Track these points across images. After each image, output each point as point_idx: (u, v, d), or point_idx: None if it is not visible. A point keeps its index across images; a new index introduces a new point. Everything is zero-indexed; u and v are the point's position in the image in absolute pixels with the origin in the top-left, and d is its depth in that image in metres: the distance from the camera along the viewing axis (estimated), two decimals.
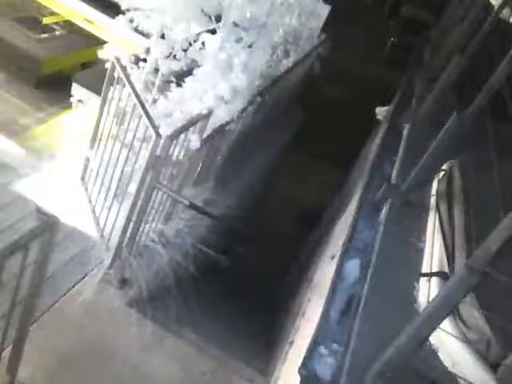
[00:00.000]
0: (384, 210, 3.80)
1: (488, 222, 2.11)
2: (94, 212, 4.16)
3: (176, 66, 4.17)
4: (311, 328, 2.90)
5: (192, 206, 3.83)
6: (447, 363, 2.68)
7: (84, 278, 3.76)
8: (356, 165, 7.64)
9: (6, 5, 6.53)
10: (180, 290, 3.72)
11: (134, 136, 3.70)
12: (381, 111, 6.53)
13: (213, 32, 4.03)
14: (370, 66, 12.47)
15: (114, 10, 4.18)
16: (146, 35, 4.25)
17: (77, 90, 4.92)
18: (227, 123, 4.32)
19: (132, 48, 5.00)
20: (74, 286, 3.66)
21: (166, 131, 3.57)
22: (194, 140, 3.88)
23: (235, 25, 4.08)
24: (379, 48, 13.32)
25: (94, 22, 6.11)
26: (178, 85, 4.19)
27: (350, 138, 8.44)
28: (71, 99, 4.74)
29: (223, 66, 4.04)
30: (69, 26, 6.53)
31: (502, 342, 2.59)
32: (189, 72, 4.16)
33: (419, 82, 6.53)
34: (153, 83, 4.33)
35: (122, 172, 3.84)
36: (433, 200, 4.14)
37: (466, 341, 2.69)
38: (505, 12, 6.30)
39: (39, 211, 2.10)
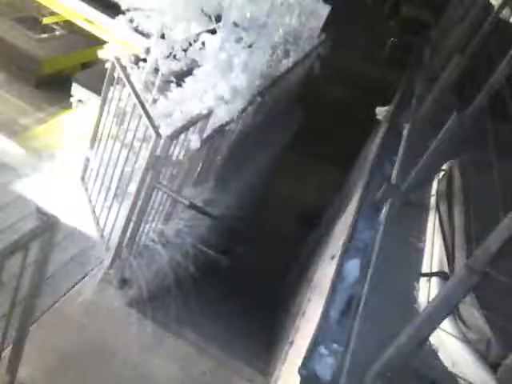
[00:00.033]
0: (384, 210, 3.80)
1: (488, 222, 2.11)
2: (94, 212, 4.16)
3: (176, 66, 4.17)
4: (311, 328, 2.90)
5: (192, 206, 3.83)
6: (447, 363, 2.68)
7: (84, 278, 3.76)
8: (356, 165, 7.64)
9: (6, 5, 6.53)
10: (180, 290, 3.72)
11: (134, 136, 3.70)
12: (381, 111, 6.54)
13: (213, 32, 4.03)
14: (370, 66, 12.47)
15: (113, 10, 4.18)
16: (146, 35, 4.25)
17: (77, 90, 4.92)
18: (227, 123, 4.32)
19: (132, 48, 5.00)
20: (74, 286, 3.66)
21: (166, 131, 3.57)
22: (194, 140, 3.88)
23: (235, 25, 4.08)
24: (379, 48, 13.32)
25: (94, 22, 6.11)
26: (178, 85, 4.19)
27: (350, 137, 8.44)
28: (71, 99, 4.74)
29: (223, 66, 4.04)
30: (69, 26, 6.53)
31: (501, 342, 2.59)
32: (189, 72, 4.16)
33: (419, 82, 6.53)
34: (153, 83, 4.32)
35: (122, 172, 3.84)
36: (433, 200, 4.14)
37: (466, 341, 2.69)
38: (505, 12, 6.30)
39: (39, 211, 2.10)
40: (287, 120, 7.75)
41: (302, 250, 7.12)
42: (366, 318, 2.82)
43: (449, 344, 2.71)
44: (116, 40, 5.48)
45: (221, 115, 4.17)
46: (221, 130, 4.30)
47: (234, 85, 4.04)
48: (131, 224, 3.69)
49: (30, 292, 2.29)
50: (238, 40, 4.11)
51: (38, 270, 2.24)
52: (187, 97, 4.10)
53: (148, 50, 4.23)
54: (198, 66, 4.12)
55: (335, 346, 2.71)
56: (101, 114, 4.17)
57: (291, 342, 3.87)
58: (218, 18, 4.02)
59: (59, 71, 6.05)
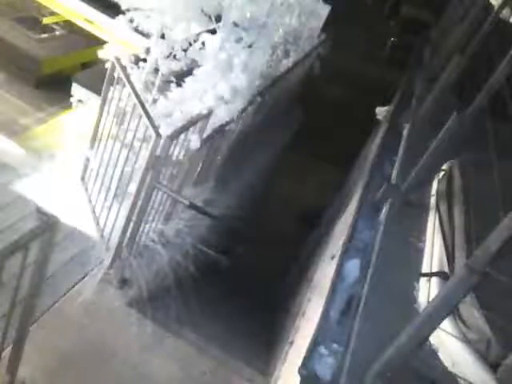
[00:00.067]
0: (384, 210, 3.80)
1: (488, 222, 2.11)
2: (94, 212, 4.16)
3: (176, 66, 4.17)
4: (311, 328, 2.90)
5: (192, 206, 3.82)
6: (447, 363, 2.68)
7: (84, 278, 3.76)
8: (356, 165, 7.64)
9: (6, 5, 6.53)
10: (180, 290, 3.72)
11: (134, 136, 3.70)
12: (381, 111, 6.54)
13: (213, 32, 4.03)
14: (370, 66, 12.47)
15: (114, 10, 4.18)
16: (146, 35, 4.25)
17: (77, 90, 4.92)
18: (227, 123, 4.32)
19: (132, 48, 5.00)
20: (74, 286, 3.66)
21: (166, 131, 3.57)
22: (194, 140, 3.88)
23: (235, 25, 4.08)
24: (379, 48, 13.33)
25: (94, 22, 6.11)
26: (178, 85, 4.19)
27: (350, 137, 8.44)
28: (71, 99, 4.74)
29: (223, 66, 4.04)
30: (69, 26, 6.53)
31: (502, 342, 2.59)
32: (189, 72, 4.16)
33: (419, 82, 6.53)
34: (153, 83, 4.32)
35: (122, 172, 3.84)
36: (433, 200, 4.14)
37: (466, 341, 2.69)
38: (505, 12, 6.30)
39: (39, 211, 2.10)
40: (287, 120, 7.75)
41: (301, 250, 7.13)
42: (366, 318, 2.82)
43: (449, 344, 2.71)
44: (116, 40, 5.48)
45: (221, 115, 4.17)
46: (221, 130, 4.30)
47: (233, 85, 4.04)
48: (131, 224, 3.69)
49: (29, 292, 2.29)
50: (238, 40, 4.11)
51: (38, 270, 2.24)
52: (187, 97, 4.10)
53: (148, 50, 4.23)
54: (198, 66, 4.12)
55: (335, 345, 2.71)
56: (101, 114, 4.17)
57: (291, 342, 3.87)
58: (218, 18, 4.02)
59: (59, 71, 6.05)
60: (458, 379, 2.61)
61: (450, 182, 4.05)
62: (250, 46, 4.21)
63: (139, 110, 3.58)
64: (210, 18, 3.99)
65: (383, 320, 2.83)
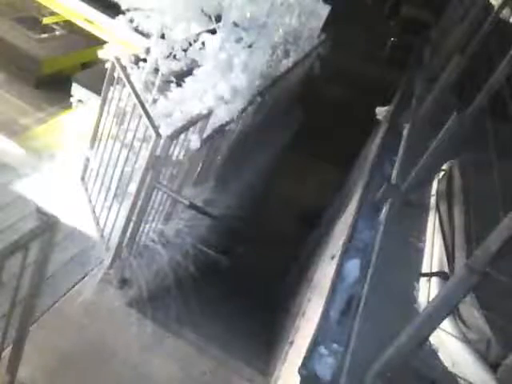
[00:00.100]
0: (384, 210, 3.80)
1: (488, 222, 2.11)
2: (94, 212, 4.16)
3: (176, 66, 4.17)
4: (311, 328, 2.90)
5: (192, 206, 3.82)
6: (447, 363, 2.68)
7: (84, 278, 3.75)
8: (356, 165, 7.64)
9: (6, 5, 6.53)
10: (180, 290, 3.72)
11: (134, 136, 3.70)
12: (381, 111, 6.54)
13: (213, 32, 4.03)
14: (370, 66, 12.47)
15: (114, 10, 4.18)
16: (146, 35, 4.25)
17: (77, 90, 4.92)
18: (227, 123, 4.32)
19: (132, 48, 5.00)
20: (74, 286, 3.66)
21: (166, 131, 3.57)
22: (194, 140, 3.88)
23: (235, 25, 4.08)
24: (379, 48, 13.33)
25: (94, 22, 6.11)
26: (178, 85, 4.19)
27: (350, 137, 8.45)
28: (71, 99, 4.74)
29: (223, 66, 4.04)
30: (69, 26, 6.53)
31: (502, 342, 2.59)
32: (189, 72, 4.16)
33: (419, 82, 6.53)
34: (153, 83, 4.32)
35: (122, 172, 3.84)
36: (433, 200, 4.14)
37: (466, 341, 2.69)
38: (505, 12, 6.30)
39: (39, 211, 2.10)
40: (287, 120, 7.75)
41: (302, 250, 7.13)
42: (366, 318, 2.82)
43: (449, 344, 2.71)
44: (116, 40, 5.48)
45: (221, 115, 4.17)
46: (221, 130, 4.30)
47: (234, 85, 4.04)
48: (131, 224, 3.69)
49: (29, 292, 2.29)
50: (238, 40, 4.11)
51: (38, 270, 2.24)
52: (187, 97, 4.10)
53: (148, 50, 4.23)
54: (198, 66, 4.12)
55: (335, 345, 2.71)
56: (101, 114, 4.17)
57: (291, 342, 3.87)
58: (218, 18, 4.02)
59: (59, 71, 6.05)
60: (458, 379, 2.61)
61: (450, 182, 4.05)
62: (250, 46, 4.22)
63: (139, 110, 3.58)
64: (210, 18, 3.99)
65: (383, 320, 2.83)
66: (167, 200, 3.98)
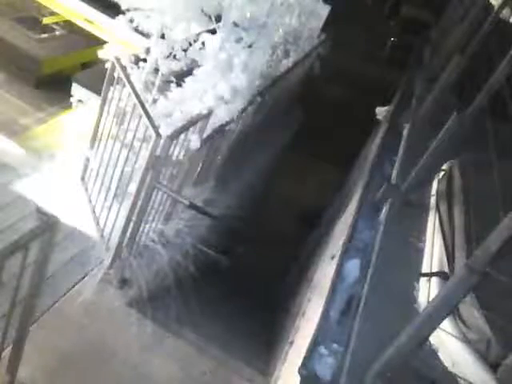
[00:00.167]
0: (384, 210, 3.80)
1: (488, 222, 2.11)
2: (94, 212, 4.16)
3: (176, 66, 4.17)
4: (311, 328, 2.90)
5: (192, 206, 3.82)
6: (447, 363, 2.68)
7: (84, 278, 3.75)
8: (356, 165, 7.64)
9: (6, 5, 6.53)
10: (180, 290, 3.72)
11: (134, 136, 3.70)
12: (381, 111, 6.54)
13: (213, 32, 4.03)
14: (370, 66, 12.47)
15: (114, 10, 4.18)
16: (146, 35, 4.25)
17: (77, 90, 4.92)
18: (227, 123, 4.32)
19: (132, 48, 5.00)
20: (74, 286, 3.66)
21: (166, 131, 3.57)
22: (194, 140, 3.88)
23: (235, 25, 4.08)
24: (379, 48, 13.33)
25: (94, 22, 6.11)
26: (178, 85, 4.19)
27: (350, 137, 8.45)
28: (71, 99, 4.74)
29: (223, 66, 4.04)
30: (69, 26, 6.53)
31: (502, 342, 2.59)
32: (189, 72, 4.15)
33: (419, 82, 6.53)
34: (153, 83, 4.32)
35: (122, 172, 3.84)
36: (433, 200, 4.14)
37: (466, 341, 2.69)
38: (505, 12, 6.30)
39: (39, 211, 2.10)
40: (287, 120, 7.75)
41: (302, 250, 7.12)
42: (366, 318, 2.82)
43: (449, 344, 2.71)
44: (116, 40, 5.48)
45: (221, 115, 4.17)
46: (221, 130, 4.30)
47: (234, 85, 4.04)
48: (131, 224, 3.69)
49: (29, 292, 2.29)
50: (238, 40, 4.11)
51: (38, 270, 2.24)
52: (187, 97, 4.10)
53: (148, 50, 4.23)
54: (198, 66, 4.12)
55: (335, 345, 2.71)
56: (101, 114, 4.17)
57: (291, 342, 3.87)
58: (218, 18, 4.02)
59: (59, 71, 6.05)
60: (458, 379, 2.61)
61: (450, 182, 4.05)
62: (250, 46, 4.21)
63: (139, 110, 3.58)
64: (210, 18, 3.99)
65: (383, 320, 2.83)
66: (167, 200, 3.98)
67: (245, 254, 6.19)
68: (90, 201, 4.25)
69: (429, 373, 2.55)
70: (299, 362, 2.61)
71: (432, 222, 3.85)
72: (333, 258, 3.84)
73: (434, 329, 2.22)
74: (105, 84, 4.07)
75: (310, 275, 5.13)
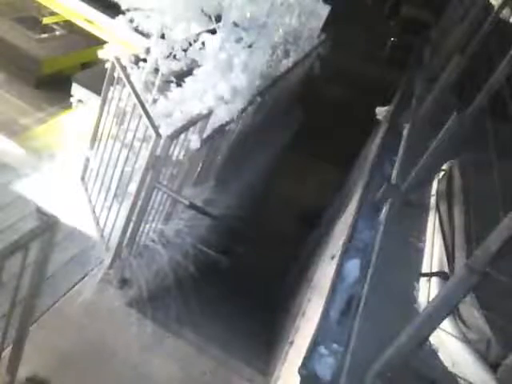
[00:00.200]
0: (384, 210, 3.80)
1: (488, 222, 2.11)
2: (94, 212, 4.16)
3: (176, 66, 4.17)
4: (311, 328, 2.90)
5: (192, 206, 3.82)
6: (447, 363, 2.68)
7: (84, 278, 3.75)
8: (356, 165, 7.64)
9: (6, 5, 6.53)
10: (180, 290, 3.72)
11: (134, 136, 3.70)
12: (381, 111, 6.54)
13: (213, 32, 4.03)
14: (370, 66, 12.47)
15: (114, 10, 4.17)
16: (146, 35, 4.25)
17: (77, 90, 4.92)
18: (227, 123, 4.32)
19: (132, 48, 5.00)
20: (74, 286, 3.66)
21: (166, 131, 3.57)
22: (194, 140, 3.88)
23: (235, 25, 4.08)
24: (379, 48, 13.33)
25: (94, 22, 6.11)
26: (178, 85, 4.19)
27: (350, 137, 8.45)
28: (71, 99, 4.74)
29: (223, 66, 4.04)
30: (69, 26, 6.54)
31: (502, 342, 2.59)
32: (189, 72, 4.15)
33: (419, 82, 6.53)
34: (153, 83, 4.32)
35: (122, 172, 3.84)
36: (433, 200, 4.14)
37: (466, 341, 2.69)
38: (505, 12, 6.30)
39: (39, 211, 2.10)
40: (287, 120, 7.75)
41: (302, 250, 7.13)
42: (366, 317, 2.82)
43: (449, 344, 2.71)
44: (116, 40, 5.48)
45: (221, 115, 4.17)
46: (221, 130, 4.30)
47: (233, 85, 4.04)
48: (131, 224, 3.69)
49: (29, 292, 2.29)
50: (238, 40, 4.11)
51: (38, 269, 2.24)
52: (187, 97, 4.10)
53: (148, 50, 4.23)
54: (198, 66, 4.12)
55: (335, 345, 2.71)
56: (101, 114, 4.17)
57: (291, 342, 3.87)
58: (218, 18, 4.02)
59: (59, 71, 6.06)
60: (458, 379, 2.61)
61: (450, 182, 4.05)
62: (250, 46, 4.21)
63: (139, 110, 3.58)
64: (210, 18, 3.99)
65: (383, 320, 2.83)
66: (167, 200, 3.98)
67: (245, 254, 6.19)
68: (90, 201, 4.25)
69: (429, 373, 2.55)
70: (299, 362, 2.61)
71: (432, 222, 3.85)
72: (333, 258, 3.84)
73: (433, 329, 2.22)
74: (105, 84, 4.07)
75: (309, 275, 5.13)
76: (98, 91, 4.34)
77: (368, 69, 12.34)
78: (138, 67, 4.20)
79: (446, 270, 3.14)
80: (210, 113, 4.03)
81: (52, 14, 6.56)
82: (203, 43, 4.01)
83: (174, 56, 4.14)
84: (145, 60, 4.24)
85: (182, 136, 3.74)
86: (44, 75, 5.94)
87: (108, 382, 3.33)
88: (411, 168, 3.78)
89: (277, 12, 4.85)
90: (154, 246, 3.93)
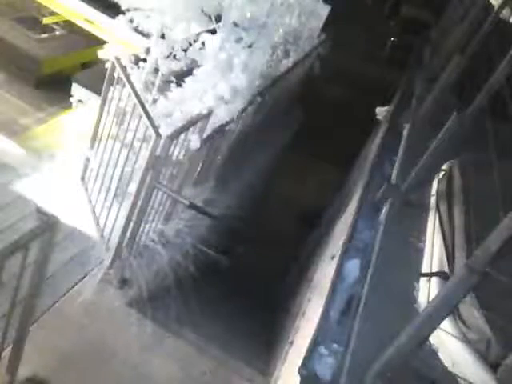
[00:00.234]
0: (384, 210, 3.80)
1: (488, 222, 2.11)
2: (94, 212, 4.16)
3: (176, 66, 4.17)
4: (311, 328, 2.90)
5: (192, 206, 3.82)
6: (447, 363, 2.68)
7: (84, 278, 3.75)
8: (356, 165, 7.64)
9: (6, 5, 6.53)
10: (180, 290, 3.72)
11: (134, 136, 3.70)
12: (381, 111, 6.54)
13: (213, 32, 4.03)
14: (370, 65, 12.48)
15: (114, 10, 4.18)
16: (146, 35, 4.25)
17: (77, 90, 4.92)
18: (227, 123, 4.32)
19: (132, 48, 5.00)
20: (74, 286, 3.66)
21: (166, 131, 3.57)
22: (193, 140, 3.88)
23: (235, 25, 4.08)
24: (379, 48, 13.33)
25: (94, 22, 6.11)
26: (178, 85, 4.19)
27: (350, 137, 8.45)
28: (71, 99, 4.74)
29: (223, 66, 4.04)
30: (69, 26, 6.54)
31: (502, 341, 2.59)
32: (189, 72, 4.16)
33: (419, 82, 6.53)
34: (153, 83, 4.33)
35: (122, 172, 3.84)
36: (433, 200, 4.14)
37: (466, 341, 2.69)
38: (505, 12, 6.31)
39: (39, 211, 2.10)
40: (287, 120, 7.75)
41: (302, 250, 7.12)
42: (366, 317, 2.82)
43: (449, 344, 2.71)
44: (116, 40, 5.48)
45: (221, 115, 4.17)
46: (221, 129, 4.30)
47: (233, 85, 4.04)
48: (131, 224, 3.69)
49: (29, 292, 2.29)
50: (238, 40, 4.11)
51: (38, 270, 2.24)
52: (187, 97, 4.10)
53: (148, 50, 4.23)
54: (198, 66, 4.12)
55: (335, 345, 2.71)
56: (101, 114, 4.17)
57: (291, 342, 3.87)
58: (218, 18, 4.02)
59: (59, 71, 6.05)
60: (458, 379, 2.61)
61: (450, 182, 4.05)
62: (250, 46, 4.21)
63: (139, 110, 3.58)
64: (210, 18, 3.99)
65: (383, 320, 2.83)
66: (167, 200, 3.98)
67: (245, 254, 6.19)
68: (90, 201, 4.25)
69: (429, 373, 2.55)
70: (299, 362, 2.61)
71: (432, 222, 3.85)
72: (333, 258, 3.84)
73: (434, 329, 2.22)
74: (105, 84, 4.07)
75: (310, 275, 5.13)
76: (98, 91, 4.34)
77: (368, 69, 12.34)
78: (138, 67, 4.20)
79: (446, 270, 3.14)
80: (210, 113, 4.03)
81: (52, 13, 6.56)
82: (203, 43, 4.01)
83: (174, 56, 4.14)
84: (145, 60, 4.24)
85: (182, 136, 3.74)
86: (44, 75, 5.94)
87: (108, 382, 3.33)
88: (411, 168, 3.79)
89: (277, 12, 4.85)
90: (153, 245, 3.93)
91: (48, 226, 2.09)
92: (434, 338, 2.64)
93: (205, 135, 4.08)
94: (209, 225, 4.36)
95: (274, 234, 7.54)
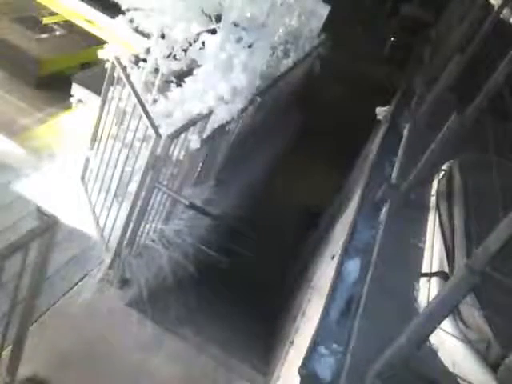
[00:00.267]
0: (384, 210, 3.81)
1: (488, 222, 2.11)
2: (94, 212, 4.16)
3: (176, 65, 4.17)
4: (311, 328, 2.90)
5: (192, 206, 3.83)
6: (447, 363, 2.68)
7: (84, 278, 3.75)
8: (356, 165, 7.64)
9: (6, 5, 6.53)
10: (180, 290, 3.72)
11: (134, 136, 3.70)
12: (381, 111, 6.54)
13: (213, 32, 4.03)
14: (370, 65, 12.47)
15: (113, 10, 4.18)
16: (146, 35, 4.25)
17: (77, 90, 4.92)
18: (227, 123, 4.32)
19: (132, 48, 5.00)
20: (74, 286, 3.66)
21: (166, 131, 3.57)
22: (193, 140, 3.88)
23: (235, 25, 4.08)
24: (379, 48, 13.33)
25: (94, 22, 6.11)
26: (178, 85, 4.19)
27: (350, 138, 8.45)
28: (71, 99, 4.74)
29: (223, 66, 4.04)
30: (69, 26, 6.54)
31: (502, 342, 2.59)
32: (189, 72, 4.16)
33: (419, 82, 6.53)
34: (153, 83, 4.33)
35: (122, 172, 3.84)
36: (433, 200, 4.14)
37: (466, 341, 2.69)
38: (505, 12, 6.31)
39: (39, 211, 2.10)
40: (287, 120, 7.75)
41: (302, 250, 7.12)
42: (366, 318, 2.82)
43: (449, 344, 2.71)
44: (116, 40, 5.48)
45: (221, 115, 4.17)
46: (221, 130, 4.30)
47: (233, 85, 4.04)
48: (131, 224, 3.69)
49: (29, 292, 2.29)
50: (238, 40, 4.11)
51: (38, 270, 2.24)
52: (187, 97, 4.10)
53: (148, 50, 4.23)
54: (198, 66, 4.12)
55: (335, 345, 2.71)
56: (101, 114, 4.17)
57: (291, 342, 3.87)
58: (218, 18, 4.02)
59: (59, 71, 6.05)
60: (458, 379, 2.61)
61: (450, 182, 4.05)
62: (250, 46, 4.21)
63: (139, 110, 3.58)
64: (210, 18, 3.99)
65: (383, 320, 2.83)
66: (167, 200, 3.98)
67: (245, 254, 6.19)
68: (90, 201, 4.25)
69: (429, 373, 2.55)
70: (299, 362, 2.61)
71: (432, 222, 3.85)
72: (333, 258, 3.84)
73: (434, 329, 2.22)
74: (105, 84, 4.07)
75: (309, 275, 5.13)
76: (97, 91, 4.34)
77: (368, 68, 12.34)
78: (138, 67, 4.20)
79: (446, 270, 3.14)
80: (210, 113, 4.03)
81: (52, 14, 6.56)
82: (203, 43, 4.01)
83: (174, 56, 4.14)
84: (145, 60, 4.25)
85: (182, 136, 3.73)
86: (44, 75, 5.93)
87: (108, 382, 3.33)
88: (411, 168, 3.79)
89: (277, 12, 4.85)
90: (153, 246, 3.93)
91: (48, 226, 2.09)
92: (434, 338, 2.64)
93: (205, 135, 4.08)
94: (209, 225, 4.36)
95: (274, 234, 7.54)
